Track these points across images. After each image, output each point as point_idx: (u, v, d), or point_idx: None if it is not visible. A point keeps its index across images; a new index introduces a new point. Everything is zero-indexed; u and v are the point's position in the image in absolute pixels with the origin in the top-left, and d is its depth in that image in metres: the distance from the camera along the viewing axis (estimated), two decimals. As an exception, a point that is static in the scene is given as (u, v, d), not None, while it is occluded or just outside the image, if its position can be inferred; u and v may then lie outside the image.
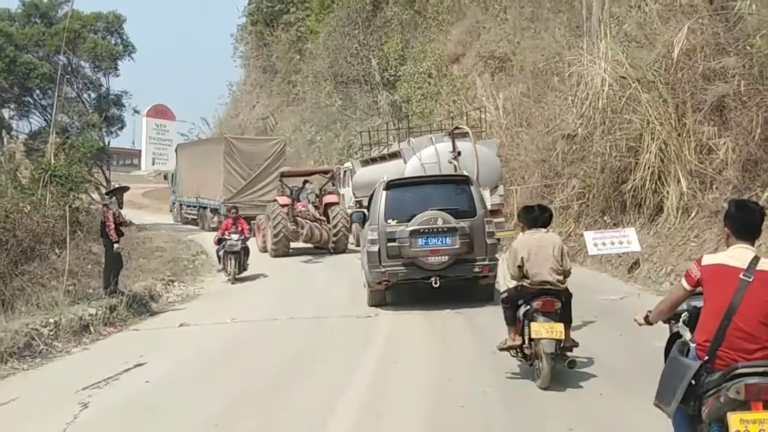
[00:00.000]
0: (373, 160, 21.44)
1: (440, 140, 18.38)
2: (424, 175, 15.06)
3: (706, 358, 4.29)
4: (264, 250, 21.09)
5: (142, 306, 13.34)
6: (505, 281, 8.15)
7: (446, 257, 11.39)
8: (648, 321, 4.91)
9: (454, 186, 12.61)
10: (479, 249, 11.67)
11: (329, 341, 10.43)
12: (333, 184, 23.99)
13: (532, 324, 7.18)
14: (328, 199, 21.43)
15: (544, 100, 22.56)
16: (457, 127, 18.96)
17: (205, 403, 7.57)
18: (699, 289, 4.54)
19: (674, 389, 4.30)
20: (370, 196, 13.99)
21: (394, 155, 19.54)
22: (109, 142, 29.94)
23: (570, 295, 7.57)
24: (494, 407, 6.93)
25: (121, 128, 30.80)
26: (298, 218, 20.04)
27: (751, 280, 4.27)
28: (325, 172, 23.57)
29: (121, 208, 13.61)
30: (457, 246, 11.38)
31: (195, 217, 31.51)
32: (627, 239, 14.57)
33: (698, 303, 4.60)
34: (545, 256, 7.33)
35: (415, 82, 31.57)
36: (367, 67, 35.00)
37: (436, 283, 11.48)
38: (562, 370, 7.32)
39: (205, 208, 29.86)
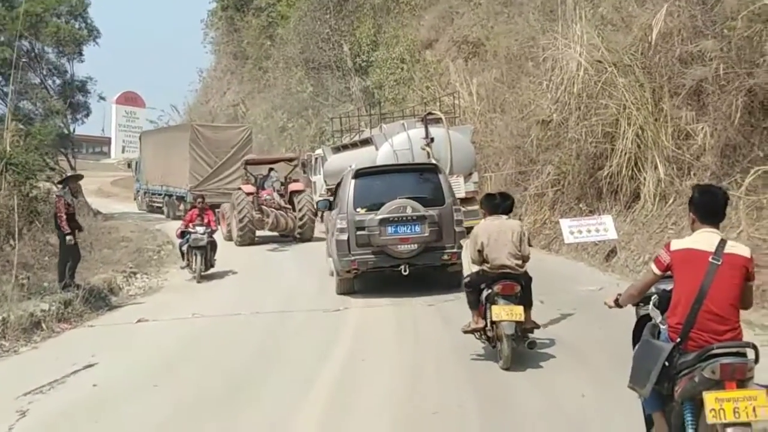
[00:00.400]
0: (345, 147, 21.01)
1: (413, 126, 17.97)
2: (392, 164, 15.23)
3: (679, 340, 4.39)
4: (229, 238, 20.74)
5: (101, 300, 12.69)
6: (469, 267, 8.30)
7: (415, 245, 11.49)
8: (618, 304, 4.99)
9: (422, 174, 12.67)
10: (448, 237, 11.77)
11: (294, 336, 9.97)
12: (304, 172, 23.91)
13: (493, 307, 7.40)
14: (293, 186, 21.16)
15: (518, 85, 22.10)
16: (429, 113, 18.51)
17: (156, 408, 7.04)
18: (668, 273, 4.61)
19: (648, 371, 4.38)
20: (336, 185, 14.02)
21: (366, 142, 19.08)
22: (74, 129, 28.98)
23: (530, 279, 7.82)
24: (463, 390, 7.10)
25: (87, 115, 29.90)
26: (263, 206, 19.89)
27: (719, 263, 4.38)
28: (290, 160, 23.37)
29: (76, 197, 12.92)
30: (426, 234, 11.48)
31: (160, 205, 31.24)
32: (604, 227, 14.19)
33: (667, 286, 4.71)
34: (504, 242, 7.56)
35: (388, 67, 31.08)
36: (338, 52, 34.43)
37: (405, 270, 11.56)
38: (523, 351, 7.56)
39: (171, 196, 29.61)
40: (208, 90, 56.16)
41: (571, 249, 16.15)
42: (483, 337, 7.78)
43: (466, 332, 7.90)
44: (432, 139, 17.55)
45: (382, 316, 10.90)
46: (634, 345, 4.98)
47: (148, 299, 13.46)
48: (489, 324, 7.56)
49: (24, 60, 26.64)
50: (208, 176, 27.24)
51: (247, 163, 22.41)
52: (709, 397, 4.12)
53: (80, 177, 14.13)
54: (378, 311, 11.21)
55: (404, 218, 11.47)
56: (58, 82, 28.78)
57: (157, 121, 51.05)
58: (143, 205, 33.74)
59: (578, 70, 16.52)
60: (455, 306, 10.32)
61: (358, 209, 11.73)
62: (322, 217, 19.95)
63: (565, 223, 14.78)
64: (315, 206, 18.61)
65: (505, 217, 7.97)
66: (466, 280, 7.98)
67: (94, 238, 19.49)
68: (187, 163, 27.21)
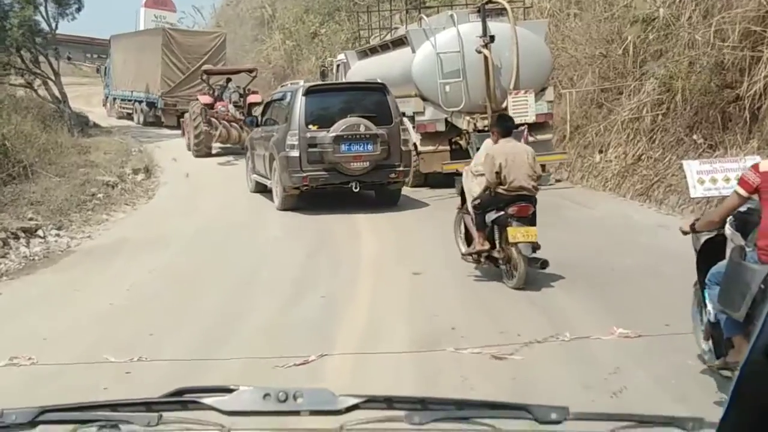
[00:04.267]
0: (373, 51, 16.41)
1: (465, 20, 13.17)
2: (341, 82, 16.33)
3: None
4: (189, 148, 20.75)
5: None
6: (470, 192, 8.06)
7: (367, 163, 11.79)
8: (694, 229, 4.89)
9: (370, 93, 12.76)
10: (395, 155, 12.11)
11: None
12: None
13: (509, 229, 7.44)
14: (252, 98, 20.63)
15: None
16: (490, 1, 13.49)
17: None
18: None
19: (743, 294, 4.20)
20: (268, 101, 14.60)
21: (400, 42, 14.36)
22: (56, 26, 24.33)
23: (536, 201, 7.80)
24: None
25: (79, 9, 24.81)
26: (212, 119, 19.62)
27: None
28: (250, 71, 22.69)
29: None
30: (377, 152, 11.77)
31: (131, 111, 31.09)
32: (748, 174, 9.27)
33: (742, 208, 4.61)
34: (521, 163, 7.64)
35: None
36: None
37: (356, 187, 11.91)
38: (532, 271, 7.44)
39: (141, 102, 29.43)
40: (238, -9, 51.65)
41: (684, 201, 11.37)
42: (486, 258, 7.86)
43: (468, 254, 8.01)
44: (492, 38, 12.71)
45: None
46: (699, 271, 4.90)
47: (13, 284, 8.42)
48: (499, 246, 7.64)
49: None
50: (180, 82, 27.05)
51: (206, 72, 21.92)
52: None
53: None
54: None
55: (358, 136, 11.72)
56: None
57: (179, 24, 46.66)
58: (112, 112, 33.18)
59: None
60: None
61: (309, 126, 11.82)
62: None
63: (692, 167, 9.68)
64: (244, 123, 18.15)
65: (512, 139, 8.09)
66: (476, 202, 7.83)
67: (56, 159, 15.68)
68: (159, 68, 27.10)
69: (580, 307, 6.62)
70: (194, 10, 52.80)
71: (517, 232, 7.32)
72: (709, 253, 4.80)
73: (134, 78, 29.68)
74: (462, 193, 8.32)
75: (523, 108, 12.89)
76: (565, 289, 7.29)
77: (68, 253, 9.64)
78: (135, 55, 29.98)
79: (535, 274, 7.45)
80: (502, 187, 7.56)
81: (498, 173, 7.53)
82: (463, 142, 13.14)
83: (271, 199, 12.88)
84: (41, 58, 23.53)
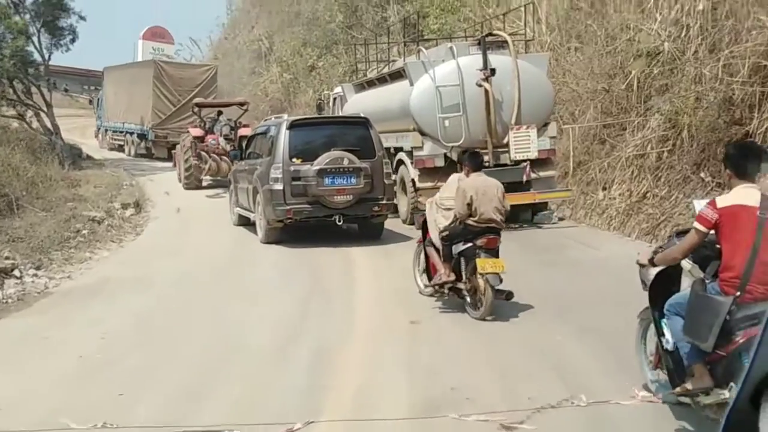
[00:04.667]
0: (370, 84, 15.91)
1: (465, 52, 12.76)
2: (324, 116, 16.92)
3: (738, 293, 4.47)
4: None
5: None
6: (435, 224, 8.27)
7: (351, 196, 11.88)
8: (653, 263, 5.03)
9: (354, 127, 12.83)
10: (379, 189, 12.20)
11: None
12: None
13: (478, 260, 7.65)
14: (243, 131, 20.21)
15: (605, 9, 17.11)
16: (490, 34, 13.10)
17: None
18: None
19: (710, 325, 4.41)
20: (252, 135, 14.57)
21: (397, 75, 13.91)
22: (49, 56, 23.86)
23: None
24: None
25: (73, 40, 24.30)
26: (202, 152, 19.69)
27: (767, 217, 4.50)
28: (241, 104, 22.85)
29: None
30: (361, 186, 11.88)
31: (122, 143, 31.43)
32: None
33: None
34: (491, 197, 7.88)
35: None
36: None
37: (339, 220, 12.02)
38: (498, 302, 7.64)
39: (132, 133, 29.74)
40: (236, 24, 51.61)
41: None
42: (450, 290, 8.01)
43: (433, 285, 8.16)
44: (493, 71, 12.33)
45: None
46: (651, 302, 5.09)
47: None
48: (465, 277, 7.83)
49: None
50: (170, 115, 27.24)
51: (197, 105, 21.97)
52: None
53: None
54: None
55: (341, 170, 11.78)
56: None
57: (175, 56, 46.70)
58: (104, 144, 33.50)
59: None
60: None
61: (293, 159, 11.94)
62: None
63: (702, 206, 9.30)
64: (228, 156, 18.51)
65: (482, 173, 8.23)
66: (445, 233, 8.02)
67: (44, 192, 15.17)
68: (150, 100, 27.26)
69: (594, 363, 6.07)
70: (191, 42, 52.48)
71: (486, 263, 7.57)
72: (661, 285, 5.04)
73: (126, 110, 29.78)
74: (423, 227, 8.55)
75: (526, 144, 12.46)
76: (575, 339, 6.78)
77: (45, 295, 9.00)
78: (127, 87, 29.99)
79: (543, 322, 7.44)
80: (472, 219, 7.84)
81: (469, 205, 7.80)
82: (462, 179, 12.65)
83: (256, 233, 12.60)
84: (34, 90, 23.17)
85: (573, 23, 18.54)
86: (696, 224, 4.65)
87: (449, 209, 8.08)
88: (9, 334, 7.54)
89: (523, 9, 16.01)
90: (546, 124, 13.05)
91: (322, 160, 11.70)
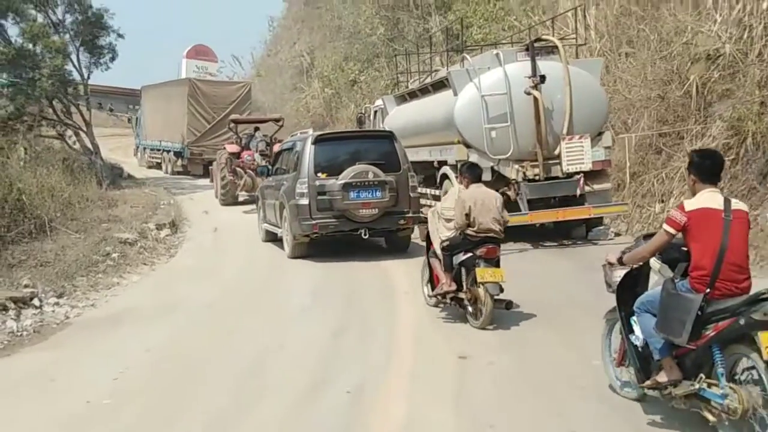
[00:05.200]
0: (412, 95, 15.27)
1: (512, 58, 12.01)
2: (349, 131, 17.50)
3: (708, 290, 4.74)
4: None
5: None
6: (437, 233, 8.44)
7: (376, 210, 11.90)
8: (621, 262, 5.29)
9: (378, 141, 13.03)
10: (404, 202, 12.22)
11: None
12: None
13: (478, 269, 7.73)
14: (278, 147, 19.57)
15: (658, 13, 16.29)
16: (539, 39, 12.35)
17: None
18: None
19: (682, 321, 4.70)
20: (279, 151, 14.61)
21: (440, 85, 13.24)
22: (88, 75, 23.55)
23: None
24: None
25: (113, 59, 23.95)
26: (237, 168, 19.82)
27: (731, 219, 4.80)
28: (277, 120, 23.17)
29: None
30: (386, 199, 11.91)
31: (159, 161, 31.84)
32: None
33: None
34: (489, 207, 8.00)
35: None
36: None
37: (365, 234, 11.98)
38: (499, 311, 7.77)
39: (169, 151, 30.12)
40: (278, 41, 51.56)
41: (761, 258, 10.13)
42: (452, 300, 8.09)
43: (436, 295, 8.31)
44: (542, 78, 11.60)
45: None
46: (619, 302, 5.36)
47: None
48: (466, 287, 7.89)
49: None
50: (205, 132, 27.58)
51: (233, 122, 22.40)
52: (764, 336, 4.37)
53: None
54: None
55: (366, 183, 11.83)
56: (79, 18, 23.37)
57: (217, 73, 46.85)
58: (143, 162, 33.82)
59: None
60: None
61: (318, 174, 11.97)
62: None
63: None
64: (255, 172, 18.57)
65: (482, 185, 8.34)
66: (445, 243, 8.15)
67: (79, 213, 14.79)
68: (185, 118, 27.48)
69: (665, 409, 5.26)
70: (233, 59, 52.52)
71: (485, 273, 7.68)
72: (629, 285, 5.31)
73: (162, 128, 30.13)
74: (428, 238, 8.69)
75: (579, 155, 11.67)
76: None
77: (64, 326, 8.43)
78: (163, 105, 30.40)
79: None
80: (471, 229, 7.96)
81: (468, 215, 7.93)
82: (511, 193, 11.85)
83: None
84: (74, 109, 23.02)
85: (623, 28, 17.76)
86: (665, 226, 4.96)
87: (450, 220, 8.22)
88: (14, 372, 6.96)
89: (572, 13, 15.19)
90: (600, 134, 12.23)
91: (347, 174, 11.74)
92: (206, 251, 13.46)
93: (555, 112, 11.83)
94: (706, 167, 4.97)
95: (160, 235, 13.97)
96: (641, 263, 5.21)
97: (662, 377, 4.90)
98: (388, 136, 12.76)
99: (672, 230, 4.86)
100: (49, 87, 20.16)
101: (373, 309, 8.87)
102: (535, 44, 11.93)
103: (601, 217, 12.54)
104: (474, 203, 7.91)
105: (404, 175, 12.25)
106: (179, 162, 28.76)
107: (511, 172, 11.92)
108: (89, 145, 22.84)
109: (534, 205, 12.00)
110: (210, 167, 23.42)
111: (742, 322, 4.49)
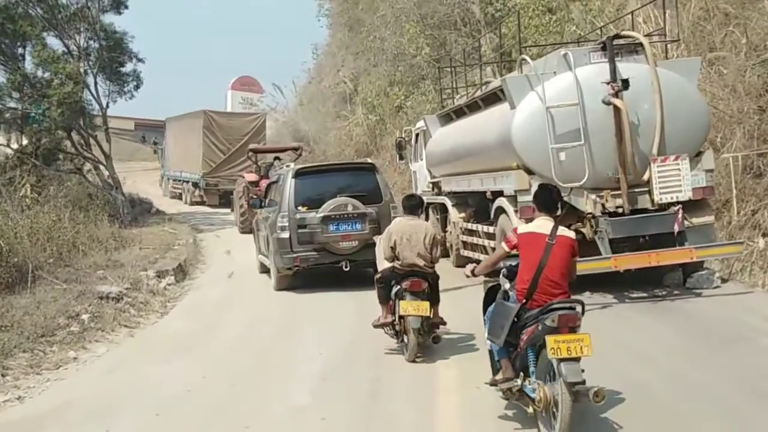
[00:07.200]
0: (458, 113, 13.04)
1: (584, 60, 9.61)
2: (330, 163, 18.16)
3: (525, 300, 5.53)
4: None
5: None
6: (379, 263, 8.67)
7: (356, 242, 12.01)
8: (474, 273, 6.25)
9: (360, 173, 13.28)
10: None
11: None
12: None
13: (401, 302, 7.85)
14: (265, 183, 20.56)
15: (749, 12, 14.26)
16: (618, 35, 9.92)
17: None
18: (515, 251, 5.83)
19: (502, 326, 5.51)
20: (269, 183, 15.02)
21: (493, 98, 10.93)
22: (107, 104, 22.02)
23: (437, 277, 8.22)
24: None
25: (137, 87, 22.56)
26: (255, 196, 19.13)
27: (553, 243, 5.57)
28: (295, 149, 23.61)
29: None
30: (366, 231, 12.00)
31: (180, 191, 32.73)
32: None
33: (512, 262, 5.92)
34: (416, 242, 7.99)
35: (530, 15, 22.73)
36: (465, 1, 27.18)
37: (346, 266, 12.10)
38: (429, 345, 7.97)
39: (187, 182, 31.09)
40: (322, 68, 50.47)
41: None
42: (391, 331, 8.18)
43: (376, 326, 8.29)
44: (625, 83, 9.12)
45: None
46: (484, 311, 6.09)
47: None
48: (397, 318, 7.97)
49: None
50: (220, 163, 28.33)
51: (252, 151, 22.84)
52: (550, 339, 5.15)
53: None
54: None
55: (346, 216, 11.99)
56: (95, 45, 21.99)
57: (258, 103, 46.03)
58: (166, 192, 35.14)
59: None
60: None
61: (299, 207, 12.23)
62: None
63: None
64: (248, 204, 18.78)
65: (417, 217, 8.39)
66: (378, 276, 8.33)
67: (75, 259, 13.18)
68: (201, 149, 28.38)
69: None
70: (274, 88, 51.21)
71: (408, 306, 7.76)
72: (489, 297, 6.11)
73: (182, 159, 31.32)
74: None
75: (675, 180, 9.19)
76: None
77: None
78: (182, 136, 31.71)
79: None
80: (397, 262, 8.06)
81: (393, 248, 8.05)
82: (586, 230, 9.38)
83: (313, 312, 10.98)
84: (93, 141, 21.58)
85: (704, 34, 15.48)
86: (502, 244, 6.03)
87: None
88: None
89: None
90: (699, 153, 9.68)
91: (326, 207, 11.97)
92: (207, 307, 11.29)
93: (642, 127, 9.33)
94: (542, 198, 5.87)
95: (159, 286, 11.80)
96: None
97: (499, 376, 5.71)
98: (370, 168, 13.14)
99: (505, 247, 5.88)
100: (57, 116, 18.54)
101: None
102: (614, 41, 9.47)
103: (702, 261, 9.91)
104: (400, 237, 8.00)
105: (386, 207, 12.42)
106: (197, 192, 29.72)
107: (587, 203, 9.42)
108: (109, 179, 21.27)
109: (618, 245, 9.53)
110: (229, 197, 24.08)
111: (540, 327, 5.28)
